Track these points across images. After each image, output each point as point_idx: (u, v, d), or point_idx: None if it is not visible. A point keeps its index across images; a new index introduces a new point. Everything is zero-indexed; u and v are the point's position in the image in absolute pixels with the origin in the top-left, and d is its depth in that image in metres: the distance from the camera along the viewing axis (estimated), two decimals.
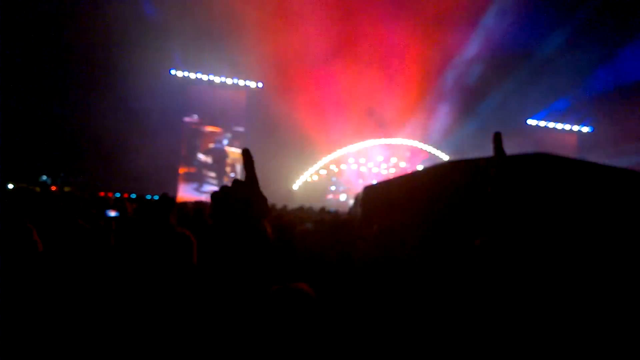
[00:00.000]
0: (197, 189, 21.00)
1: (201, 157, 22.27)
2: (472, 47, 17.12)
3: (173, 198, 4.69)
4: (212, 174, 21.83)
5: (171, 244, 2.32)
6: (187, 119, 19.55)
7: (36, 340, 1.67)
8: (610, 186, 4.44)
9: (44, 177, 16.50)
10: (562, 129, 20.70)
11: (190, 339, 2.22)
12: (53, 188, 15.42)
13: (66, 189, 14.95)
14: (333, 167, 18.15)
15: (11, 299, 1.72)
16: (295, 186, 17.74)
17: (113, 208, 4.46)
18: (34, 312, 1.74)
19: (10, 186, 11.74)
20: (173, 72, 17.93)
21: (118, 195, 13.41)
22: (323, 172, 18.23)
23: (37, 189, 13.60)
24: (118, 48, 15.54)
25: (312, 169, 18.02)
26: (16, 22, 14.02)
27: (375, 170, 17.63)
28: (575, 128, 20.75)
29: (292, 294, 1.63)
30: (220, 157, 22.67)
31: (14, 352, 1.60)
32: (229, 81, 18.69)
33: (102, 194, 13.56)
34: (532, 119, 20.31)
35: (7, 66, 14.14)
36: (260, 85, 18.58)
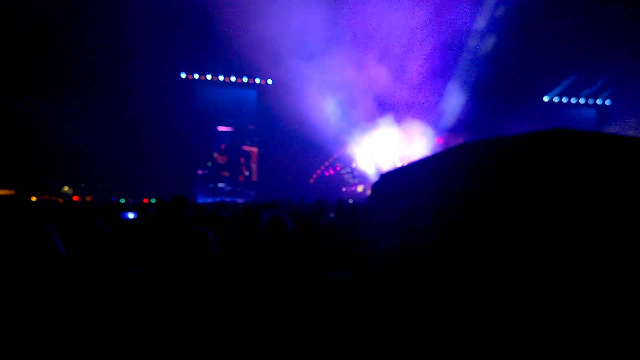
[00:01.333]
0: (214, 190, 21.18)
1: (215, 157, 22.45)
2: (482, 22, 16.82)
3: (185, 199, 4.73)
4: (227, 174, 22.01)
5: (188, 240, 2.34)
6: (199, 121, 19.67)
7: (58, 339, 1.68)
8: (632, 156, 4.28)
9: (66, 189, 16.82)
10: (579, 103, 20.26)
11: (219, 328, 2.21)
12: (75, 198, 15.72)
13: (87, 198, 15.21)
14: (348, 158, 18.07)
15: (31, 297, 1.73)
16: (312, 180, 17.73)
17: (132, 211, 4.50)
18: (53, 311, 1.75)
19: (34, 199, 11.98)
20: (183, 75, 18.03)
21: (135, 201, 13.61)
22: (338, 164, 18.18)
23: (60, 200, 13.89)
24: (128, 56, 15.68)
25: (327, 162, 17.98)
26: (25, 32, 14.24)
27: (390, 157, 17.51)
28: (593, 103, 20.26)
29: (339, 282, 1.66)
30: (234, 156, 22.83)
31: (39, 350, 1.61)
32: (239, 80, 18.72)
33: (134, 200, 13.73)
34: (549, 95, 19.91)
35: (23, 79, 14.40)
36: (270, 82, 18.56)
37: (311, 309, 1.68)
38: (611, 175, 3.97)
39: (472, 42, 17.17)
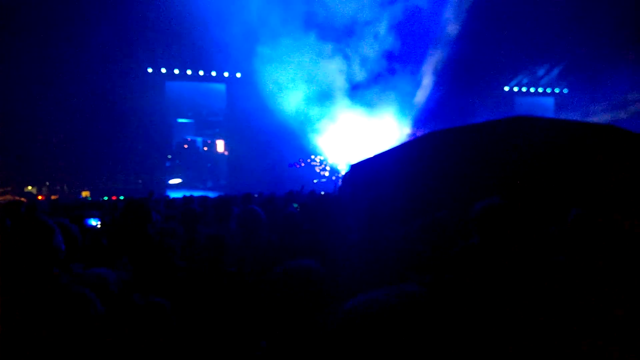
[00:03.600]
0: (182, 182, 20.98)
1: (184, 150, 22.21)
2: (446, 17, 17.09)
3: (147, 198, 4.61)
4: (195, 167, 21.88)
5: (155, 239, 2.36)
6: (169, 115, 19.35)
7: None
8: (585, 139, 4.50)
9: (29, 188, 16.36)
10: (538, 92, 20.86)
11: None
12: (40, 197, 15.30)
13: (53, 197, 14.83)
14: (320, 149, 18.09)
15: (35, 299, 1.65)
16: (283, 172, 17.68)
17: (96, 214, 4.34)
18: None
19: None
20: (150, 69, 17.63)
21: (106, 198, 13.34)
22: (311, 155, 18.18)
23: (24, 200, 13.46)
24: (95, 51, 15.29)
25: (299, 154, 17.94)
26: None
27: (360, 149, 17.64)
28: (551, 91, 20.88)
29: (300, 271, 1.60)
30: (201, 149, 22.64)
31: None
32: (208, 74, 18.44)
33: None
34: (509, 85, 20.42)
35: None
36: (238, 75, 18.36)
37: (272, 300, 1.60)
38: (567, 157, 4.19)
39: (437, 33, 17.41)
